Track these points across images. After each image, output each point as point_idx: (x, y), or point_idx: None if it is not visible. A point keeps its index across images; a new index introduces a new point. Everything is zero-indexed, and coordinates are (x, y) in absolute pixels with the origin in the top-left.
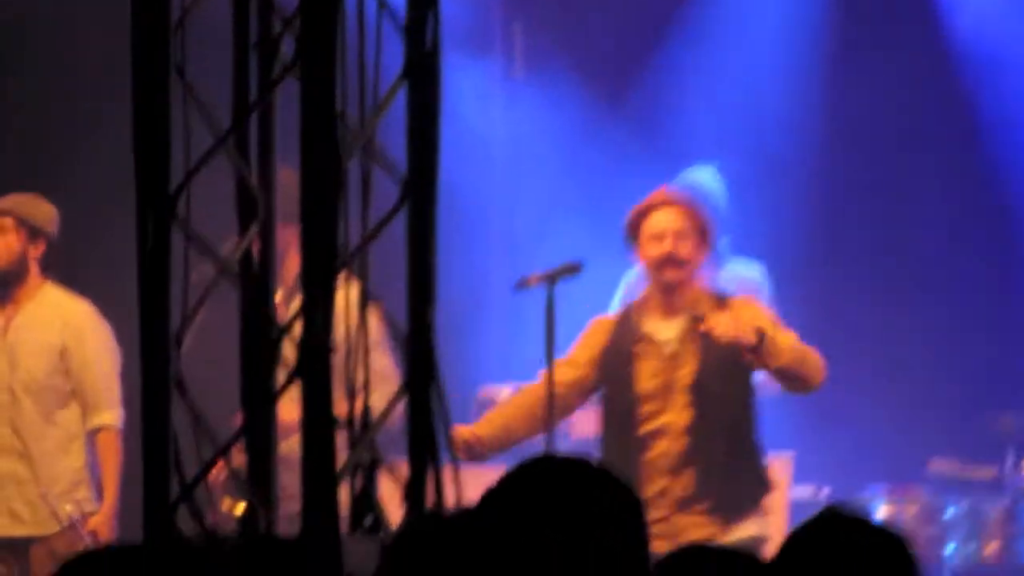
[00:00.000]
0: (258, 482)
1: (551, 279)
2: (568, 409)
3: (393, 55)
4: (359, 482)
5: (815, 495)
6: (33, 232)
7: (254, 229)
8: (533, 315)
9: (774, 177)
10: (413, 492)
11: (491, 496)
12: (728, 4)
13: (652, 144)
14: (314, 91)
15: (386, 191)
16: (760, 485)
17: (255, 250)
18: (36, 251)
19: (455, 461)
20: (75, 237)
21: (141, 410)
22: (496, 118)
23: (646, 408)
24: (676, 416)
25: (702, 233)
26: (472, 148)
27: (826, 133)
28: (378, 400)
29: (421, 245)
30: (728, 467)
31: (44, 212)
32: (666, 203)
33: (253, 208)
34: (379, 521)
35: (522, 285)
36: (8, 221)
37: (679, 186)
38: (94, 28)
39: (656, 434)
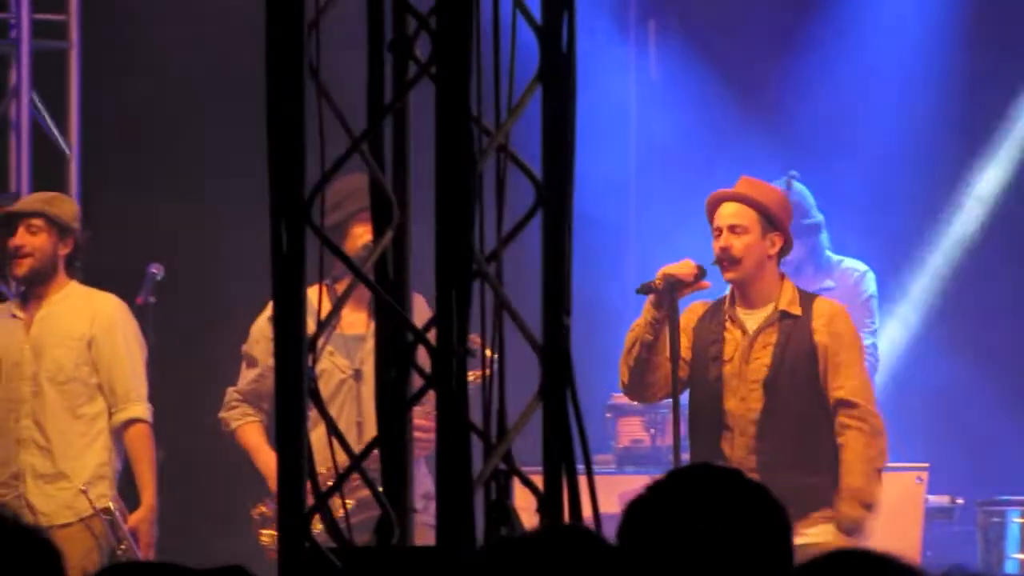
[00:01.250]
0: (393, 491)
1: (673, 284)
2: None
3: (528, 57)
4: (494, 491)
5: (950, 505)
6: (62, 231)
7: (389, 233)
8: None
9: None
10: (549, 501)
11: (640, 506)
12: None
13: (787, 142)
14: (449, 92)
15: (521, 195)
16: (828, 488)
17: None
18: (65, 249)
19: (591, 469)
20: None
21: (276, 417)
22: (630, 119)
23: (725, 393)
24: (745, 408)
25: (768, 227)
26: (605, 151)
27: (954, 141)
28: None
29: (556, 250)
30: (792, 466)
31: (71, 210)
32: (724, 198)
33: (388, 212)
34: (515, 531)
35: (644, 289)
36: (39, 221)
37: (750, 179)
38: (226, 29)
39: (726, 423)
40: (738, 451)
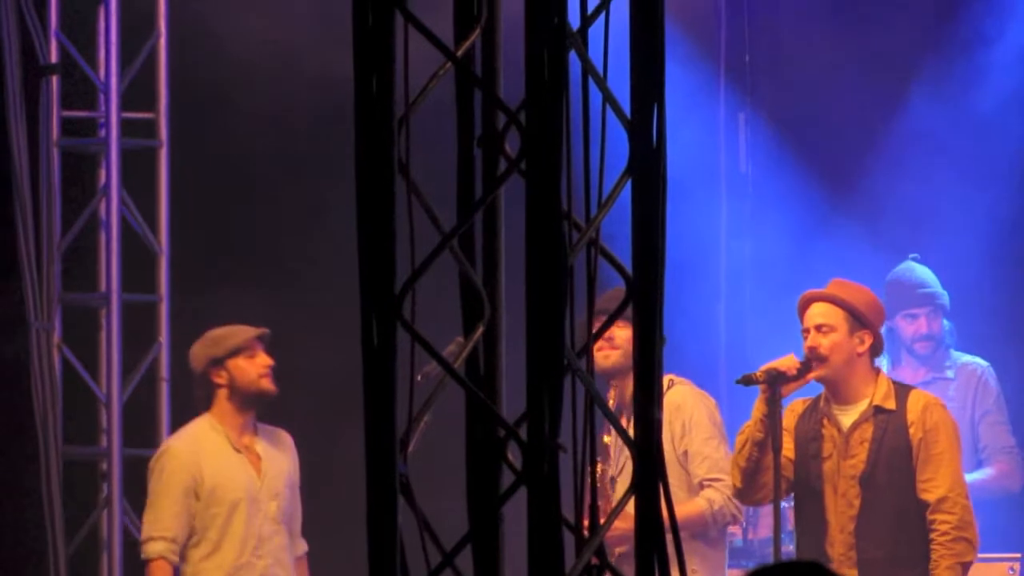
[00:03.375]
0: None
1: (775, 377)
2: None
3: (618, 150)
4: None
5: None
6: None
7: (480, 329)
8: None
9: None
10: None
11: None
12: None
13: (880, 236)
14: (539, 188)
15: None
16: None
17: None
18: None
19: (683, 564)
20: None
21: (366, 515)
22: (720, 212)
23: (825, 490)
24: (845, 504)
25: (856, 325)
26: (696, 244)
27: None
28: None
29: (647, 343)
30: (891, 562)
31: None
32: (813, 299)
33: (479, 308)
34: None
35: (745, 381)
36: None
37: (841, 280)
38: (314, 126)
39: (827, 520)
40: (838, 548)
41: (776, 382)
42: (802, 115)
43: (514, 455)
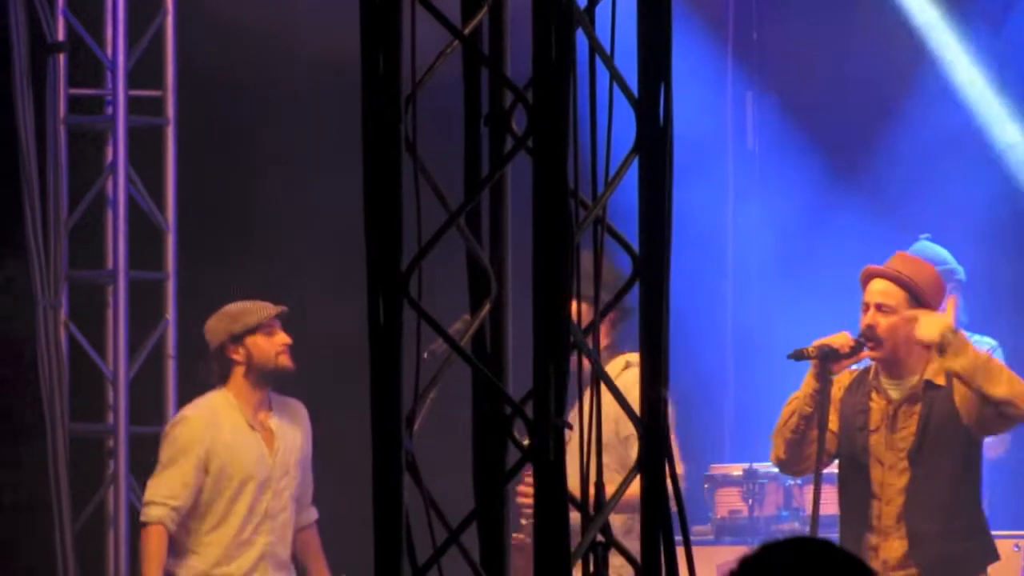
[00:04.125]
0: (490, 565)
1: (827, 354)
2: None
3: (625, 129)
4: (592, 563)
5: None
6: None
7: (487, 307)
8: (765, 393)
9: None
10: (646, 572)
11: None
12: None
13: (887, 215)
14: (546, 166)
15: (620, 266)
16: (982, 554)
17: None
18: None
19: (688, 540)
20: (306, 311)
21: (373, 492)
22: (727, 190)
23: (872, 462)
24: (893, 477)
25: (916, 306)
26: (703, 222)
27: None
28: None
29: (654, 322)
30: (943, 535)
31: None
32: (876, 274)
33: (486, 286)
34: None
35: (797, 356)
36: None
37: (909, 253)
38: (321, 104)
39: (874, 493)
40: (886, 520)
41: (828, 359)
42: (810, 93)
43: (520, 432)
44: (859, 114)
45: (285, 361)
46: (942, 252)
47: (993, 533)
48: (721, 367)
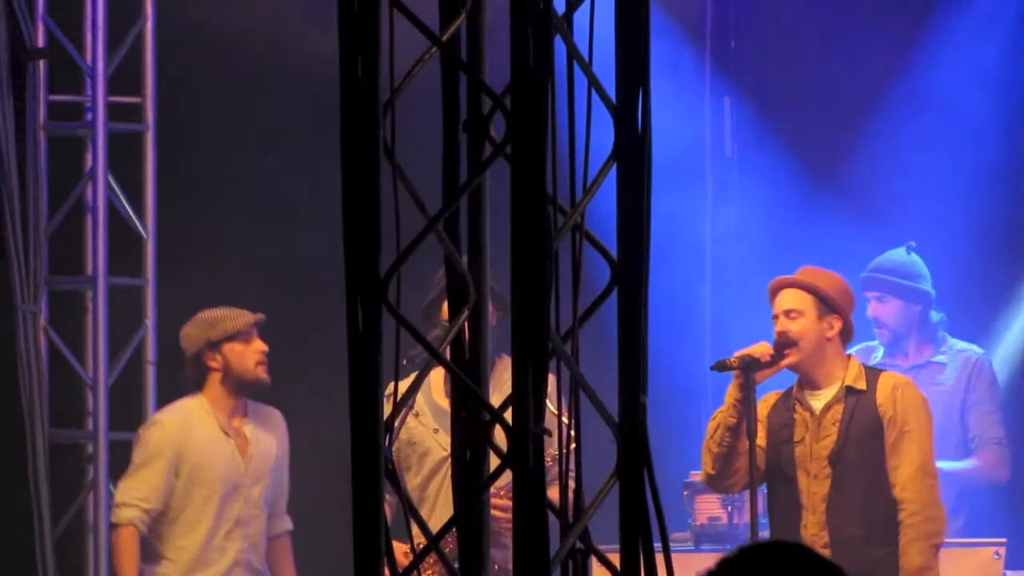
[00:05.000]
0: (470, 570)
1: (749, 363)
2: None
3: (603, 135)
4: (571, 570)
5: None
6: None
7: (465, 313)
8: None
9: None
10: None
11: None
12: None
13: (867, 221)
14: (524, 172)
15: (597, 273)
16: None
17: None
18: None
19: (667, 547)
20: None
21: (352, 498)
22: (705, 196)
23: (798, 473)
24: (817, 485)
25: (825, 310)
26: (681, 228)
27: None
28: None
29: (632, 328)
30: (864, 540)
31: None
32: (782, 285)
33: (464, 292)
34: None
35: (720, 367)
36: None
37: (810, 267)
38: (301, 110)
39: (799, 503)
40: (811, 528)
41: (750, 368)
42: (788, 100)
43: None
44: (837, 119)
45: (262, 373)
46: (896, 259)
47: (972, 541)
48: (700, 373)
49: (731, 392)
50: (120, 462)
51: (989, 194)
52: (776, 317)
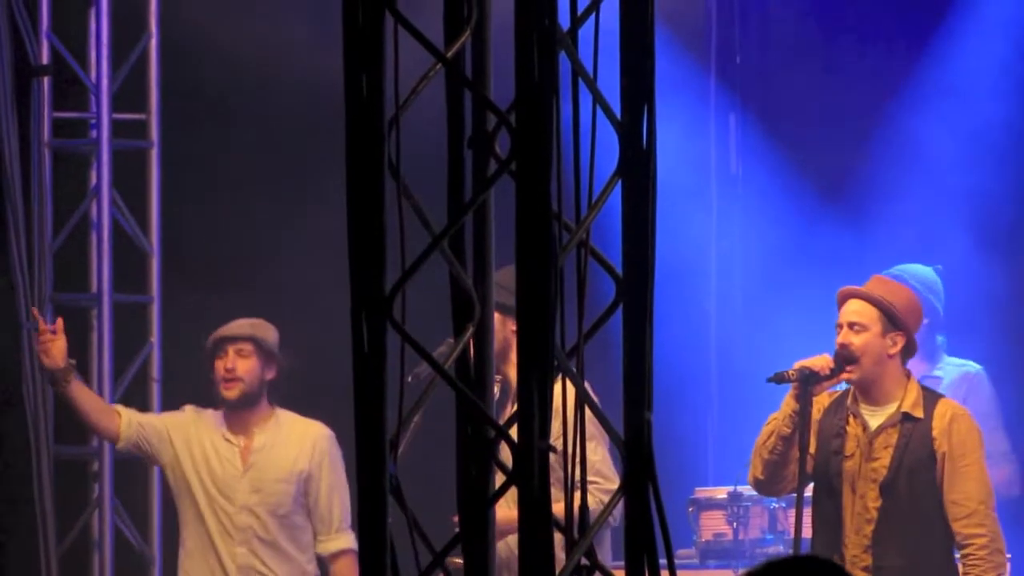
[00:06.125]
0: None
1: (807, 377)
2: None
3: (608, 152)
4: None
5: None
6: (268, 356)
7: (470, 330)
8: (749, 415)
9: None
10: None
11: None
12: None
13: (872, 236)
14: (529, 189)
15: (603, 289)
16: None
17: (471, 351)
18: (269, 375)
19: (673, 564)
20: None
21: (358, 515)
22: (711, 213)
23: (844, 489)
24: (863, 507)
25: (890, 326)
26: (687, 245)
27: None
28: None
29: (637, 345)
30: (907, 571)
31: (274, 336)
32: (851, 295)
33: (469, 309)
34: None
35: (777, 379)
36: (248, 345)
37: (882, 277)
38: (304, 128)
39: (843, 519)
40: (852, 549)
41: (808, 381)
42: (793, 117)
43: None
44: (842, 135)
45: (222, 391)
46: (938, 281)
47: None
48: (705, 389)
49: (788, 402)
50: (125, 479)
51: (996, 210)
52: (840, 327)
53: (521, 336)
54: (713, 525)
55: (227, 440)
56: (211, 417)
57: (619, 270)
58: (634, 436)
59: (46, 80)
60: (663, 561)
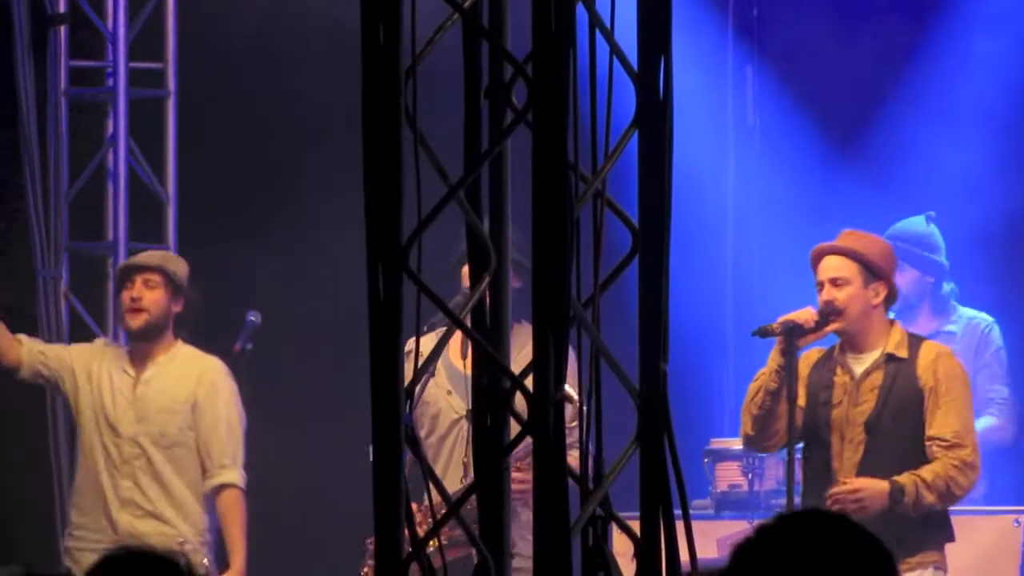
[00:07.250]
0: (490, 536)
1: (792, 329)
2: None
3: (625, 102)
4: (591, 537)
5: None
6: (176, 289)
7: (486, 280)
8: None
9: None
10: (646, 547)
11: (747, 549)
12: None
13: (888, 187)
14: (546, 139)
15: (619, 240)
16: (931, 532)
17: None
18: (176, 308)
19: (688, 515)
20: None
21: (372, 464)
22: (728, 164)
23: (833, 436)
24: (851, 451)
25: (870, 277)
26: (703, 196)
27: None
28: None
29: (653, 296)
30: (891, 510)
31: (184, 270)
32: (825, 251)
33: (485, 259)
34: None
35: (762, 332)
36: (157, 277)
37: (852, 231)
38: (323, 77)
39: (833, 467)
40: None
41: (793, 334)
42: (810, 67)
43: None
44: (859, 87)
45: (128, 321)
46: (935, 231)
47: (992, 509)
48: (721, 340)
49: (774, 357)
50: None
51: (1015, 160)
52: (821, 285)
53: (537, 287)
54: (728, 476)
55: (124, 371)
56: (117, 350)
57: (635, 221)
58: (649, 387)
59: (63, 29)
60: (678, 512)
